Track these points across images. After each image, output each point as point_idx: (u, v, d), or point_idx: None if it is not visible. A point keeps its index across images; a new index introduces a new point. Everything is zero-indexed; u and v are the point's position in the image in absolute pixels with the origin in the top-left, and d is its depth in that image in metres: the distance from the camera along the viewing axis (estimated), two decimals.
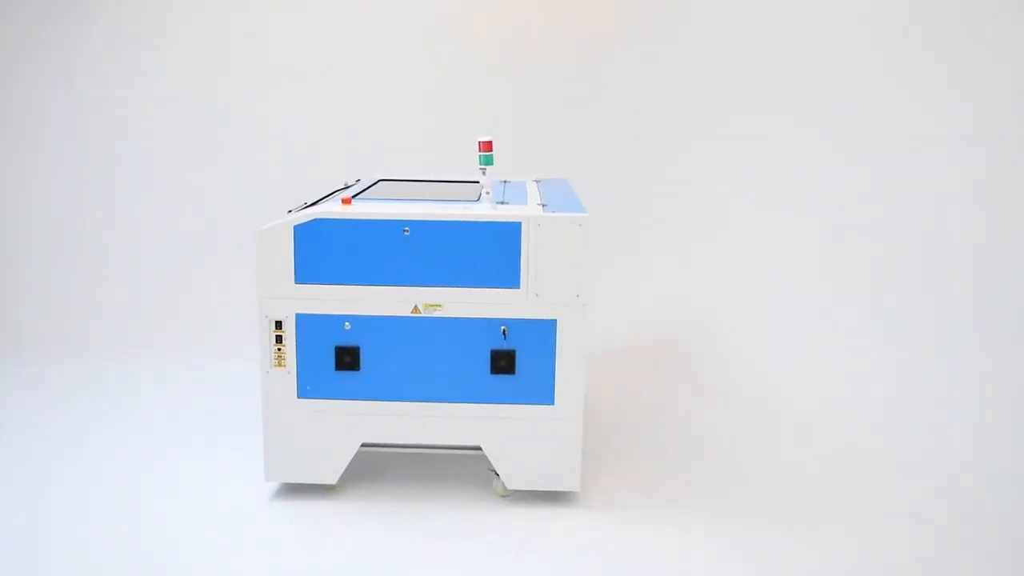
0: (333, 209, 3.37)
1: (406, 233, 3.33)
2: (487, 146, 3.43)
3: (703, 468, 3.89)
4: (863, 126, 4.71)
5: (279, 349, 3.43)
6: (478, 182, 4.39)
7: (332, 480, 3.53)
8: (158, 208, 6.23)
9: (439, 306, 3.39)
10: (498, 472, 3.52)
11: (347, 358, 3.42)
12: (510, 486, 3.53)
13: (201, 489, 3.64)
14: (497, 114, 6.36)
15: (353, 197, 3.66)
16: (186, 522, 3.37)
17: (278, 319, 3.40)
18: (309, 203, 3.83)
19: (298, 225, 3.33)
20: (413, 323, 3.40)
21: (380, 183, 4.41)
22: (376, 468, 3.80)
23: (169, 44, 6.22)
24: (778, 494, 3.64)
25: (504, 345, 3.40)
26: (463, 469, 3.81)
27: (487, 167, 3.44)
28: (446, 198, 3.71)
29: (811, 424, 4.31)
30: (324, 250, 3.35)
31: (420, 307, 3.39)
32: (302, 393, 3.45)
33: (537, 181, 4.56)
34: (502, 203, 3.53)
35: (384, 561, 3.12)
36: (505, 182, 4.45)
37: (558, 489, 3.53)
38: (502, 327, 3.38)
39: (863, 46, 4.71)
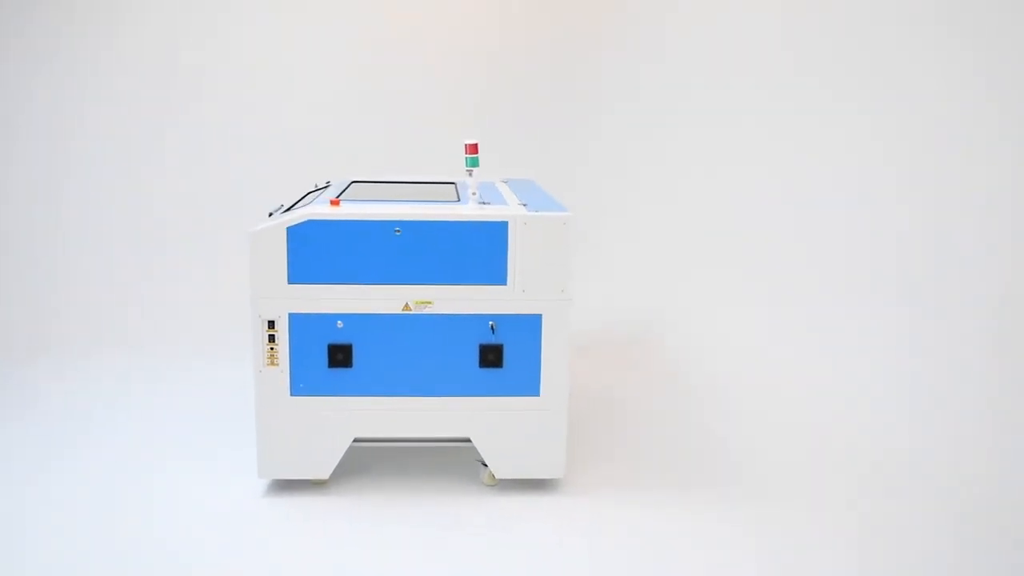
0: (325, 210, 3.46)
1: (397, 233, 3.45)
2: (473, 148, 3.57)
3: (673, 454, 4.09)
4: (828, 122, 5.00)
5: (272, 348, 3.50)
6: (452, 183, 4.55)
7: (325, 475, 3.61)
8: (133, 208, 6.26)
9: (429, 303, 3.51)
10: (486, 463, 3.65)
11: (340, 356, 3.51)
12: (499, 476, 3.67)
13: (193, 488, 3.68)
14: (447, 115, 6.54)
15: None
16: (179, 521, 3.42)
17: (271, 319, 3.47)
18: (287, 206, 3.91)
19: (291, 226, 3.42)
20: (404, 320, 3.52)
21: (353, 185, 4.49)
22: (363, 463, 3.89)
23: (142, 44, 6.27)
24: (748, 479, 3.87)
25: (492, 340, 3.54)
26: (449, 461, 3.93)
27: (473, 168, 3.58)
28: (427, 199, 3.83)
29: (778, 411, 4.56)
30: (316, 250, 3.44)
31: (411, 304, 3.50)
32: (295, 391, 3.53)
33: (505, 181, 4.71)
34: (485, 203, 3.67)
35: (379, 552, 3.23)
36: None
37: (544, 477, 3.69)
38: (490, 322, 3.52)
39: (830, 41, 4.96)
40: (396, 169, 5.53)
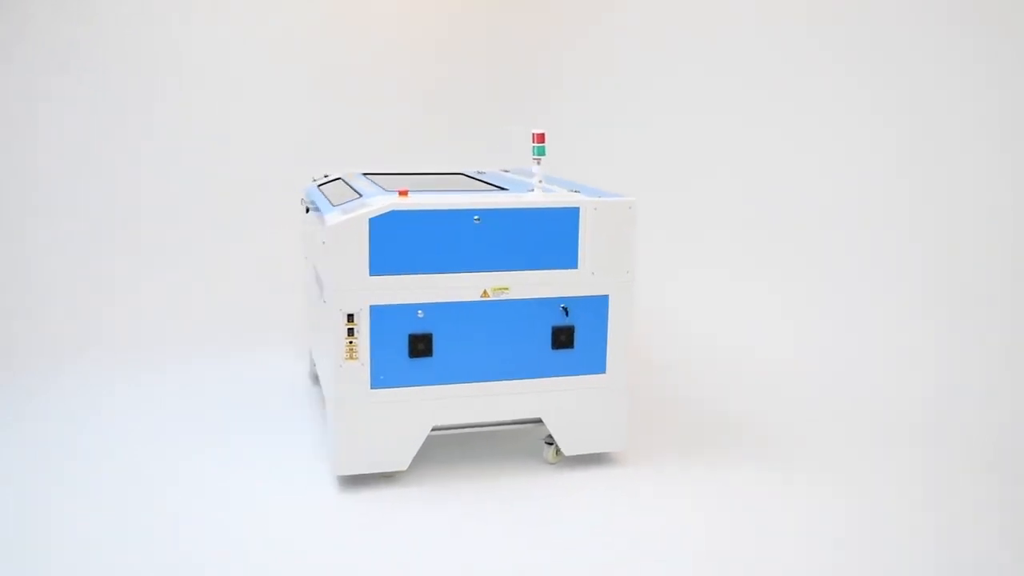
0: (406, 200, 3.46)
1: (476, 221, 3.50)
2: (540, 137, 3.68)
3: (709, 426, 4.39)
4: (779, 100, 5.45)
5: (351, 342, 3.46)
6: (461, 174, 4.64)
7: (404, 466, 3.62)
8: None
9: (506, 289, 3.59)
10: (556, 441, 3.79)
11: (421, 345, 3.53)
12: (567, 452, 3.81)
13: (261, 488, 3.57)
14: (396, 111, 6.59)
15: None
16: (259, 523, 3.33)
17: (351, 312, 3.43)
18: (313, 204, 3.88)
19: (374, 217, 3.39)
20: (482, 307, 3.58)
21: (368, 177, 4.46)
22: (421, 452, 3.89)
23: (103, 42, 6.16)
24: (788, 447, 4.23)
25: (564, 322, 3.67)
26: (504, 443, 4.02)
27: (540, 157, 3.69)
28: (476, 188, 3.90)
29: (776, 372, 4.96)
30: (398, 241, 3.43)
31: (489, 291, 3.57)
32: (375, 383, 3.51)
33: (507, 171, 4.82)
34: (550, 190, 3.78)
35: (465, 538, 3.25)
36: (481, 172, 4.68)
37: (608, 450, 3.86)
38: (562, 305, 3.65)
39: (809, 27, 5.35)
40: (362, 163, 5.54)
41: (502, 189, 3.92)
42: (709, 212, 6.01)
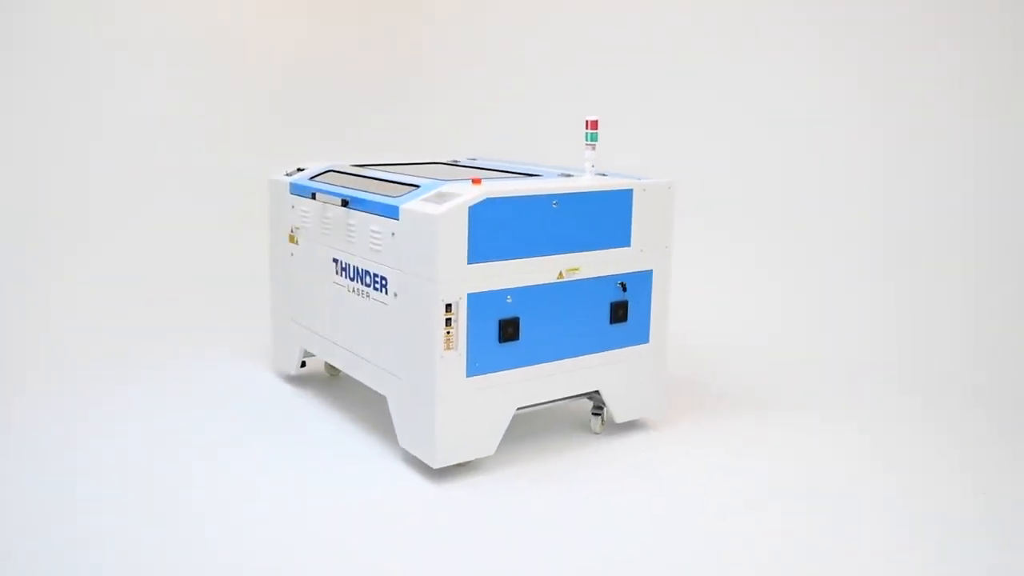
0: (498, 187, 3.51)
1: (555, 206, 3.63)
2: (594, 124, 3.86)
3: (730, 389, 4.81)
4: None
5: (448, 332, 3.45)
6: (454, 162, 4.70)
7: (492, 451, 3.66)
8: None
9: (577, 269, 3.76)
10: (608, 410, 4.02)
11: (510, 329, 3.59)
12: (618, 420, 4.06)
13: (350, 485, 3.46)
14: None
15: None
16: (358, 521, 3.26)
17: (450, 301, 3.42)
18: (341, 198, 3.81)
19: (472, 206, 3.40)
20: (558, 288, 3.72)
21: (377, 168, 4.38)
22: None
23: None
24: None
25: (621, 297, 3.91)
26: (542, 420, 4.17)
27: (594, 143, 3.88)
28: (511, 174, 4.03)
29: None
30: (491, 228, 3.47)
31: (564, 272, 3.72)
32: (471, 371, 3.53)
33: (474, 159, 4.93)
34: (602, 174, 3.98)
35: (558, 510, 3.36)
36: (455, 162, 4.76)
37: (651, 416, 4.17)
38: (620, 282, 3.89)
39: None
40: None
41: (533, 175, 4.07)
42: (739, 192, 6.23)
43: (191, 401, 4.36)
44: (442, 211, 3.35)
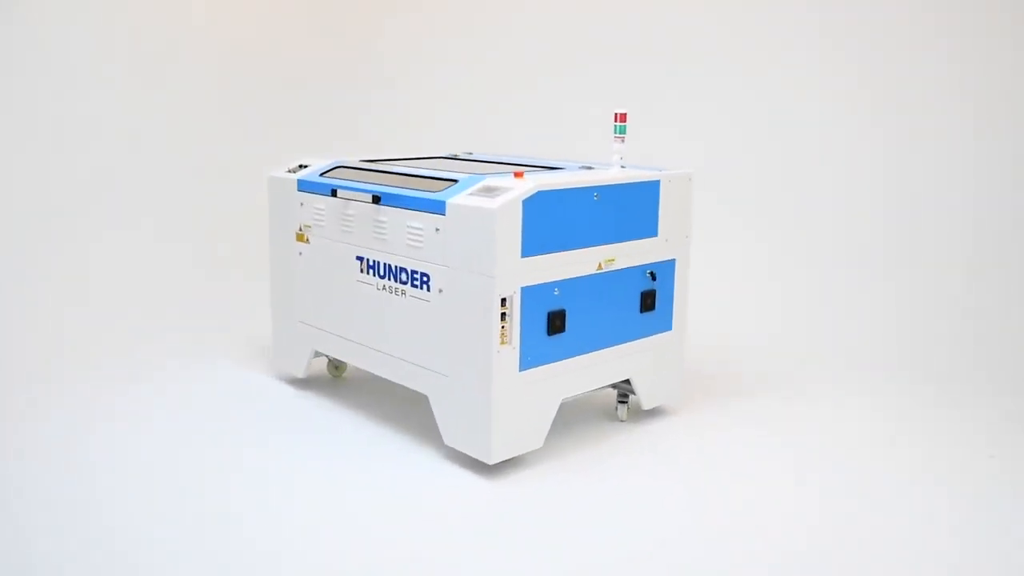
0: (547, 180, 3.50)
1: (596, 199, 3.67)
2: (622, 117, 3.91)
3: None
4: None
5: (503, 326, 3.44)
6: (453, 157, 4.68)
7: (540, 444, 3.67)
8: None
9: (613, 260, 3.81)
10: (637, 397, 4.09)
11: (558, 322, 3.60)
12: (645, 407, 4.14)
13: (399, 483, 3.40)
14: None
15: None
16: (415, 523, 3.22)
17: (505, 296, 3.41)
18: (374, 195, 3.76)
19: (526, 199, 3.40)
20: (598, 279, 3.75)
21: (394, 163, 4.30)
22: None
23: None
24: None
25: (650, 286, 3.99)
26: (568, 409, 4.20)
27: (623, 136, 3.93)
28: (532, 168, 4.04)
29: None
30: (541, 221, 3.47)
31: (603, 263, 3.76)
32: (523, 365, 3.52)
33: (469, 153, 4.92)
34: (626, 167, 4.03)
35: (595, 500, 3.39)
36: (456, 154, 4.74)
37: (671, 403, 4.26)
38: (649, 271, 3.97)
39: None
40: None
41: (556, 168, 4.09)
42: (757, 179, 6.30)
43: (200, 404, 4.17)
44: (498, 204, 3.33)
